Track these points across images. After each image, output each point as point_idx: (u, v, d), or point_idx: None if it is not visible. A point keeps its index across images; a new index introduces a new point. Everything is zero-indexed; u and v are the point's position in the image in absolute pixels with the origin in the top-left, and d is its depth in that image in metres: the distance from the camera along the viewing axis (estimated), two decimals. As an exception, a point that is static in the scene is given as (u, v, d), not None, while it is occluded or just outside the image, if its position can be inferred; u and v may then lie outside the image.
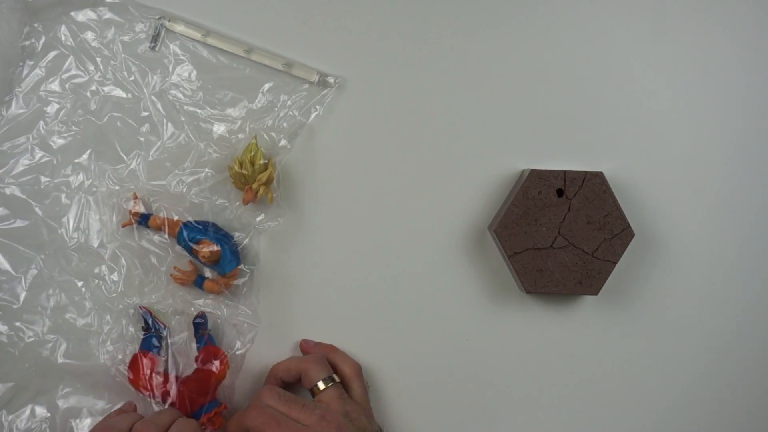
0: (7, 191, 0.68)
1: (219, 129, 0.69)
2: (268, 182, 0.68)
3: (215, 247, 0.67)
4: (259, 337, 0.70)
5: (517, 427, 0.71)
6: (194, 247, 0.67)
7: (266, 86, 0.70)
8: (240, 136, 0.69)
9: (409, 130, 0.71)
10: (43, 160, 0.69)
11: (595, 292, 0.68)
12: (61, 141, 0.69)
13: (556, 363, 0.71)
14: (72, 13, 0.69)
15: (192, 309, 0.69)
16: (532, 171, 0.67)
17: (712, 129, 0.72)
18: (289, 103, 0.70)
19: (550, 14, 0.71)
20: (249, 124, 0.69)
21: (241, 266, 0.69)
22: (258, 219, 0.69)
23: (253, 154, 0.67)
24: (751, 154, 0.72)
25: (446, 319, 0.71)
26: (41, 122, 0.69)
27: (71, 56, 0.69)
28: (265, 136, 0.69)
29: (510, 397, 0.71)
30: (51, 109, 0.69)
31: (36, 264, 0.68)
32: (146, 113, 0.69)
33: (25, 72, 0.69)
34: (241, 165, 0.67)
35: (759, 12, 0.72)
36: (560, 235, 0.67)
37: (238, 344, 0.69)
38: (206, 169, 0.69)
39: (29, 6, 0.68)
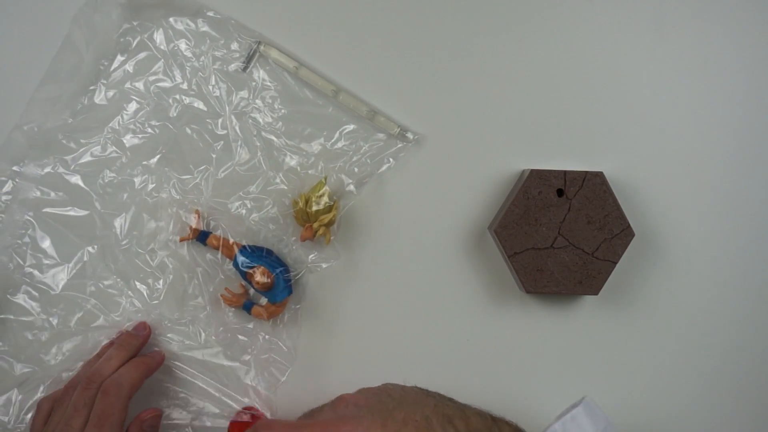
0: (71, 179, 0.69)
1: (291, 161, 0.70)
2: (329, 224, 0.68)
3: (271, 275, 0.67)
4: (293, 373, 0.70)
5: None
6: (249, 271, 0.67)
7: (346, 129, 0.70)
8: (310, 171, 0.70)
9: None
10: (113, 155, 0.69)
11: (596, 292, 0.68)
12: (134, 140, 0.70)
13: (556, 363, 0.71)
14: (171, 19, 0.70)
15: (229, 333, 0.69)
16: (533, 171, 0.67)
17: (712, 129, 0.71)
18: (364, 149, 0.70)
19: (551, 15, 0.72)
20: (322, 162, 0.70)
21: (291, 297, 0.69)
22: (311, 257, 0.70)
23: (320, 193, 0.67)
24: (751, 154, 0.71)
25: (446, 318, 0.71)
26: (118, 118, 0.69)
27: (161, 60, 0.70)
28: (335, 177, 0.70)
29: (510, 397, 0.71)
30: (131, 107, 0.70)
31: (82, 255, 0.69)
32: (223, 131, 0.70)
33: (114, 66, 0.70)
34: (306, 202, 0.67)
35: (759, 12, 0.71)
36: (560, 235, 0.67)
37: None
38: (270, 199, 0.69)
39: (131, 2, 0.69)
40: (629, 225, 0.67)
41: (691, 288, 0.71)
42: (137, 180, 0.69)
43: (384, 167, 0.70)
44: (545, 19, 0.72)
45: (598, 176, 0.67)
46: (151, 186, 0.69)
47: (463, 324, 0.71)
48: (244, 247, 0.68)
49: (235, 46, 0.70)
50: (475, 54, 0.72)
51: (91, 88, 0.69)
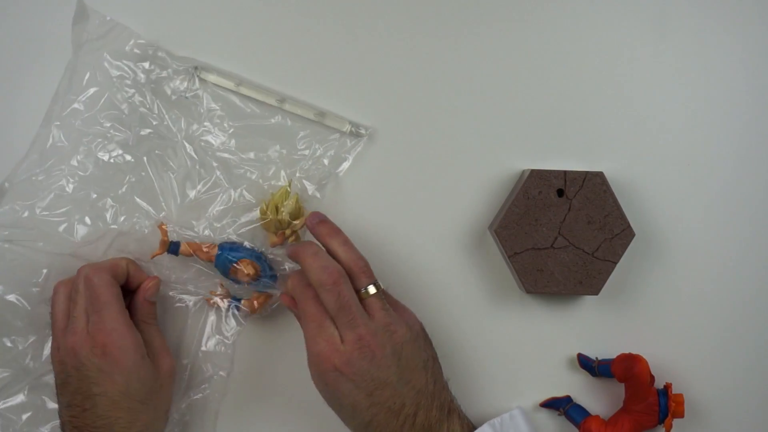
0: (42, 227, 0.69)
1: (252, 176, 0.70)
2: (299, 228, 0.69)
3: (257, 265, 0.67)
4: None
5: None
6: (234, 266, 0.67)
7: (299, 135, 0.70)
8: (273, 182, 0.70)
9: (416, 140, 0.71)
10: (80, 194, 0.69)
11: (596, 292, 0.68)
12: (96, 173, 0.69)
13: (556, 363, 0.71)
14: (107, 54, 0.69)
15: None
16: (533, 171, 0.67)
17: (712, 129, 0.72)
18: (320, 151, 0.70)
19: (551, 14, 0.72)
20: (282, 171, 0.70)
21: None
22: (288, 266, 0.69)
23: (288, 200, 0.68)
24: (752, 153, 0.71)
25: (446, 318, 0.71)
26: (77, 156, 0.69)
27: (107, 93, 0.69)
28: (297, 184, 0.70)
29: (510, 397, 0.71)
30: (87, 143, 0.69)
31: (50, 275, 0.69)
32: (179, 158, 0.70)
33: (66, 104, 0.69)
34: (276, 210, 0.68)
35: (759, 12, 0.71)
36: (561, 235, 0.67)
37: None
38: (234, 214, 0.69)
39: (73, 40, 0.69)
40: (629, 225, 0.67)
41: (691, 288, 0.71)
42: (108, 214, 0.69)
43: (343, 165, 0.70)
44: (545, 18, 0.72)
45: (598, 176, 0.67)
46: (122, 218, 0.69)
47: (463, 324, 0.71)
48: (221, 244, 0.68)
49: (174, 74, 0.70)
50: (475, 54, 0.72)
51: (44, 131, 0.69)
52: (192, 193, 0.69)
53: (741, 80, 0.72)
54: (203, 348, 0.70)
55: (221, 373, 0.70)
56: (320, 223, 0.66)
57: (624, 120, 0.71)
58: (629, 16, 0.72)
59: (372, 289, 0.63)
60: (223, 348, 0.70)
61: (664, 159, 0.71)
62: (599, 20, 0.72)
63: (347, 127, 0.70)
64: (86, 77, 0.69)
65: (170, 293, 0.70)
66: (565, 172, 0.68)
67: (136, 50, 0.69)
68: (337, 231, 0.65)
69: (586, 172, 0.68)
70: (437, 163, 0.71)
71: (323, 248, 0.64)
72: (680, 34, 0.72)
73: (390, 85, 0.71)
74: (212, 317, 0.70)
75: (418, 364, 0.62)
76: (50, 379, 0.67)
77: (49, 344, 0.68)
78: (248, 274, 0.67)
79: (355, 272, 0.63)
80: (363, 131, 0.70)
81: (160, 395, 0.65)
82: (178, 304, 0.71)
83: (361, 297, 0.62)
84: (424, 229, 0.71)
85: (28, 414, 0.68)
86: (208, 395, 0.70)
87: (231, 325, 0.70)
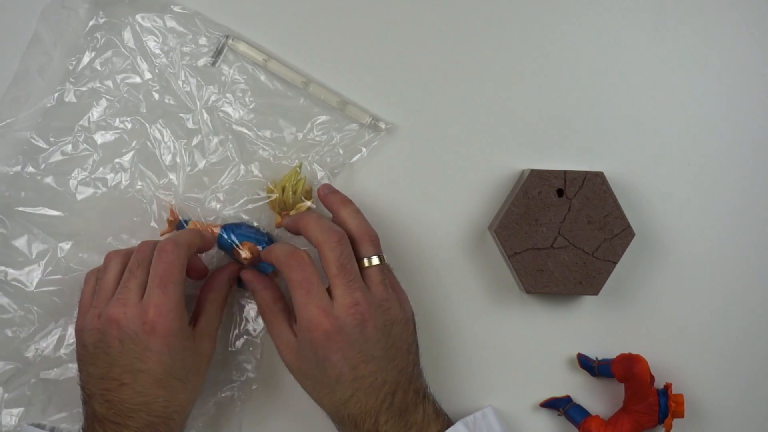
0: (44, 179, 0.68)
1: (264, 153, 0.69)
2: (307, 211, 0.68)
3: (257, 248, 0.66)
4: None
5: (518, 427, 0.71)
6: (236, 248, 0.66)
7: (318, 120, 0.70)
8: (284, 162, 0.69)
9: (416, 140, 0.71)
10: (84, 153, 0.69)
11: (596, 292, 0.68)
12: (105, 138, 0.69)
13: (556, 363, 0.71)
14: (138, 16, 0.69)
15: None
16: (533, 171, 0.67)
17: (712, 129, 0.72)
18: (336, 139, 0.70)
19: (550, 14, 0.72)
20: (294, 152, 0.70)
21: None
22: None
23: (297, 181, 0.68)
24: (752, 153, 0.71)
25: (446, 318, 0.71)
26: (88, 115, 0.69)
27: (130, 57, 0.69)
28: (308, 167, 0.70)
29: (510, 396, 0.71)
30: (101, 104, 0.69)
31: (55, 252, 0.68)
32: (195, 126, 0.69)
33: (83, 64, 0.69)
34: (283, 190, 0.67)
35: (759, 12, 0.71)
36: (560, 235, 0.67)
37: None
38: (242, 190, 0.69)
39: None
40: (629, 225, 0.67)
41: (691, 288, 0.71)
42: (110, 177, 0.69)
43: (356, 157, 0.70)
44: (546, 18, 0.72)
45: (598, 176, 0.67)
46: (125, 183, 0.69)
47: (463, 324, 0.71)
48: (224, 226, 0.68)
49: (203, 41, 0.69)
50: (476, 54, 0.71)
51: (59, 88, 0.68)
52: (201, 164, 0.69)
53: (741, 80, 0.72)
54: (230, 348, 0.70)
55: (248, 372, 0.70)
56: (332, 192, 0.67)
57: (624, 120, 0.71)
58: (629, 16, 0.71)
59: (375, 260, 0.62)
60: (251, 348, 0.70)
61: (664, 159, 0.71)
62: (599, 20, 0.72)
63: (368, 120, 0.70)
64: (110, 37, 0.69)
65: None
66: (565, 172, 0.68)
67: (169, 15, 0.69)
68: (348, 200, 0.66)
69: (586, 172, 0.68)
70: (437, 163, 0.71)
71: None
72: (680, 34, 0.72)
73: (389, 86, 0.71)
74: (240, 317, 0.70)
75: (403, 346, 0.62)
76: (52, 373, 0.67)
77: (52, 336, 0.68)
78: (246, 258, 0.66)
79: (364, 239, 0.63)
80: (382, 126, 0.70)
81: (198, 377, 0.64)
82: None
83: (362, 267, 0.62)
84: (424, 229, 0.71)
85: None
86: (236, 395, 0.70)
87: (259, 324, 0.70)
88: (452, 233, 0.71)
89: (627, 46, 0.72)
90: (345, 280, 0.60)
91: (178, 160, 0.69)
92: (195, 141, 0.69)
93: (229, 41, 0.69)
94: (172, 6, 0.69)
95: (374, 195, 0.71)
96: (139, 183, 0.69)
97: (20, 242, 0.68)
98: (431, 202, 0.71)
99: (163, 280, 0.60)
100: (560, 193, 0.68)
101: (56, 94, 0.69)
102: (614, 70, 0.71)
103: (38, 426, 0.65)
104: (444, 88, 0.71)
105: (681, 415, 0.67)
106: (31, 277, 0.68)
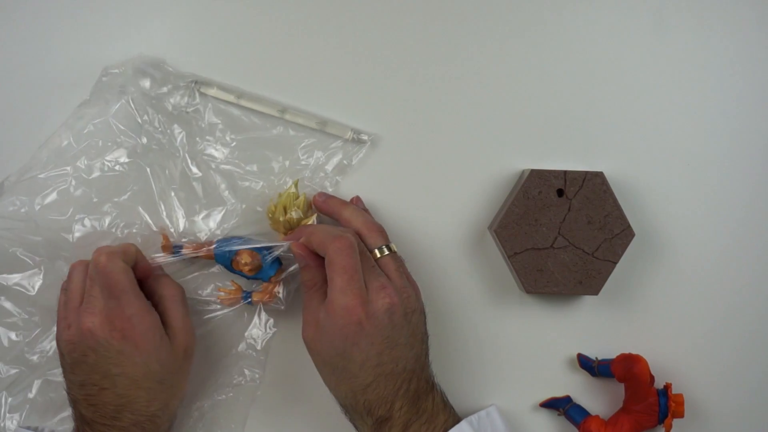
0: (41, 222, 0.69)
1: (257, 186, 0.70)
2: None
3: (256, 254, 0.66)
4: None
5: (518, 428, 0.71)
6: (234, 258, 0.66)
7: (302, 144, 0.71)
8: (278, 191, 0.69)
9: (417, 142, 0.72)
10: (78, 194, 0.69)
11: (596, 292, 0.68)
12: (102, 179, 0.69)
13: (556, 363, 0.71)
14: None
15: None
16: (533, 171, 0.67)
17: (712, 129, 0.72)
18: (323, 159, 0.71)
19: (550, 14, 0.72)
20: (284, 180, 0.70)
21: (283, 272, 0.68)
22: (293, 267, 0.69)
23: (298, 200, 0.68)
24: (751, 153, 0.71)
25: (446, 318, 0.71)
26: (84, 157, 0.69)
27: (122, 100, 0.69)
28: (303, 191, 0.70)
29: (510, 396, 0.71)
30: (96, 145, 0.69)
31: (50, 267, 0.69)
32: (182, 171, 0.70)
33: (79, 107, 0.70)
34: (285, 211, 0.67)
35: (759, 12, 0.71)
36: (560, 235, 0.67)
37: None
38: (234, 219, 0.70)
39: None
40: (629, 225, 0.67)
41: (691, 288, 0.71)
42: (108, 219, 0.69)
43: (345, 172, 0.71)
44: (545, 18, 0.72)
45: (598, 176, 0.67)
46: (122, 223, 0.69)
47: (462, 324, 0.71)
48: (218, 240, 0.68)
49: (174, 89, 0.70)
50: (474, 55, 0.71)
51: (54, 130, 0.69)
52: (199, 217, 0.69)
53: (740, 80, 0.72)
54: (233, 351, 0.70)
55: (251, 377, 0.70)
56: (328, 197, 0.68)
57: (624, 120, 0.71)
58: (629, 16, 0.72)
59: (386, 250, 0.64)
60: (254, 353, 0.70)
61: (664, 159, 0.71)
62: (599, 20, 0.72)
63: (349, 134, 0.71)
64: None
65: (198, 308, 0.70)
66: (565, 172, 0.68)
67: (137, 66, 0.69)
68: (347, 202, 0.68)
69: (586, 172, 0.68)
70: (437, 163, 0.71)
71: None
72: (680, 34, 0.72)
73: (388, 87, 0.71)
74: (243, 322, 0.70)
75: (419, 335, 0.63)
76: (58, 374, 0.67)
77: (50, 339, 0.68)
78: (246, 263, 0.66)
79: (372, 232, 0.64)
80: (365, 137, 0.70)
81: (178, 374, 0.64)
82: (207, 316, 0.70)
83: (375, 258, 0.64)
84: (424, 229, 0.71)
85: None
86: (235, 398, 0.70)
87: (262, 330, 0.70)
88: (452, 233, 0.71)
89: (627, 46, 0.72)
90: (368, 266, 0.62)
91: (170, 209, 0.69)
92: (185, 186, 0.70)
93: (199, 87, 0.70)
94: (139, 57, 0.69)
95: (372, 202, 0.71)
96: (136, 224, 0.69)
97: (20, 250, 0.69)
98: (431, 203, 0.71)
99: (111, 290, 0.61)
100: (560, 193, 0.68)
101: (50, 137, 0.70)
102: (614, 70, 0.71)
103: (33, 429, 0.66)
104: (442, 90, 0.71)
105: (681, 415, 0.67)
106: (33, 281, 0.69)
